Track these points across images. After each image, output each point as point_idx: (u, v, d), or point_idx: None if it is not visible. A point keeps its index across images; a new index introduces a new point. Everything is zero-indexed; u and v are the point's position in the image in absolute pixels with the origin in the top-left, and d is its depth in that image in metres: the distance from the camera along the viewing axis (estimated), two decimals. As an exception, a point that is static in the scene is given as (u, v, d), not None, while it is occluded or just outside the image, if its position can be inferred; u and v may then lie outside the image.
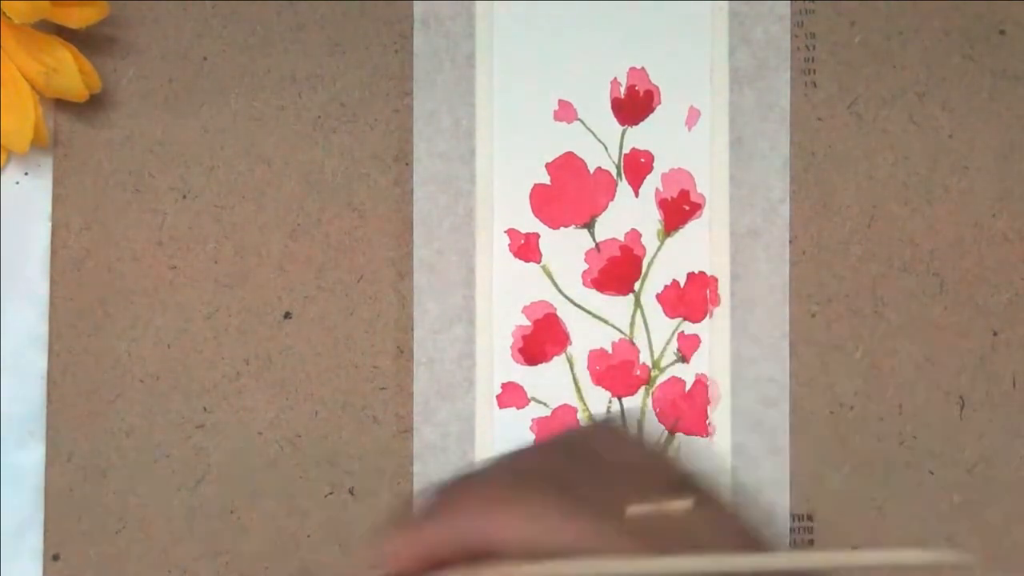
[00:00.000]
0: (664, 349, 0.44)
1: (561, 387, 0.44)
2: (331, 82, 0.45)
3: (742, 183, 0.44)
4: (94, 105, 0.44)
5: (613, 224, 0.44)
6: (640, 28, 0.45)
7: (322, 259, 0.44)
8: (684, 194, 0.44)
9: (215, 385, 0.44)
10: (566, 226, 0.44)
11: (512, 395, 0.44)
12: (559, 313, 0.44)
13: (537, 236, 0.44)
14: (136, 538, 0.43)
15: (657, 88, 0.45)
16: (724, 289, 0.44)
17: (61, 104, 0.44)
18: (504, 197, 0.44)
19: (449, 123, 0.44)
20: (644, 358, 0.44)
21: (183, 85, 0.45)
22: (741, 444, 0.43)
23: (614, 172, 0.44)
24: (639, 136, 0.44)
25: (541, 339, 0.44)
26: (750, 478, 0.43)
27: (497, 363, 0.44)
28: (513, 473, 0.32)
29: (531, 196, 0.44)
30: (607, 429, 0.34)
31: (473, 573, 0.30)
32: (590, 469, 0.32)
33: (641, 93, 0.44)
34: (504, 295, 0.44)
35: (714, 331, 0.44)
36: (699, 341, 0.44)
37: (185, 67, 0.45)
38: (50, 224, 0.44)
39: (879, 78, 0.45)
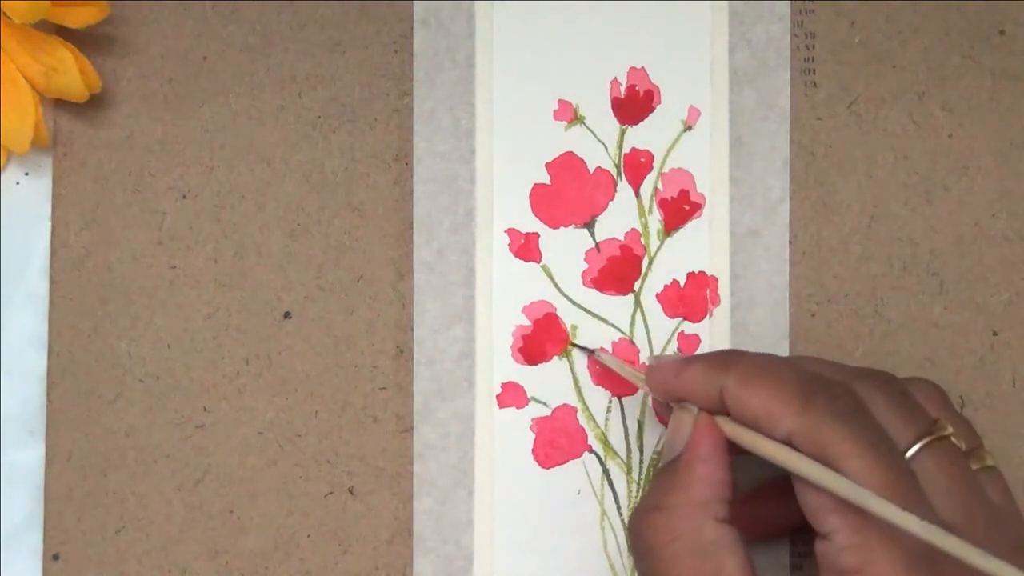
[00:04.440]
0: (664, 349, 0.44)
1: (561, 387, 0.44)
2: (331, 82, 0.45)
3: (742, 183, 0.44)
4: (94, 105, 0.44)
5: (613, 224, 0.44)
6: (640, 28, 0.45)
7: (322, 259, 0.44)
8: (684, 194, 0.44)
9: (215, 385, 0.44)
10: (566, 226, 0.44)
11: (512, 395, 0.44)
12: (559, 313, 0.44)
13: (537, 236, 0.44)
14: (136, 538, 0.43)
15: (657, 88, 0.45)
16: (724, 289, 0.44)
17: (61, 104, 0.44)
18: (504, 197, 0.44)
19: (449, 123, 0.44)
20: (644, 358, 0.44)
21: (183, 85, 0.45)
22: (741, 444, 0.43)
23: (614, 172, 0.44)
24: (639, 136, 0.44)
25: (541, 339, 0.44)
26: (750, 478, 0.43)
27: (497, 363, 0.44)
28: (791, 365, 0.37)
29: (531, 196, 0.44)
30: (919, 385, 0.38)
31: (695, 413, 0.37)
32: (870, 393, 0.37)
33: (641, 93, 0.45)
34: (504, 295, 0.44)
35: (714, 331, 0.44)
36: (699, 341, 0.44)
37: (185, 67, 0.45)
38: (50, 224, 0.44)
39: (879, 78, 0.45)
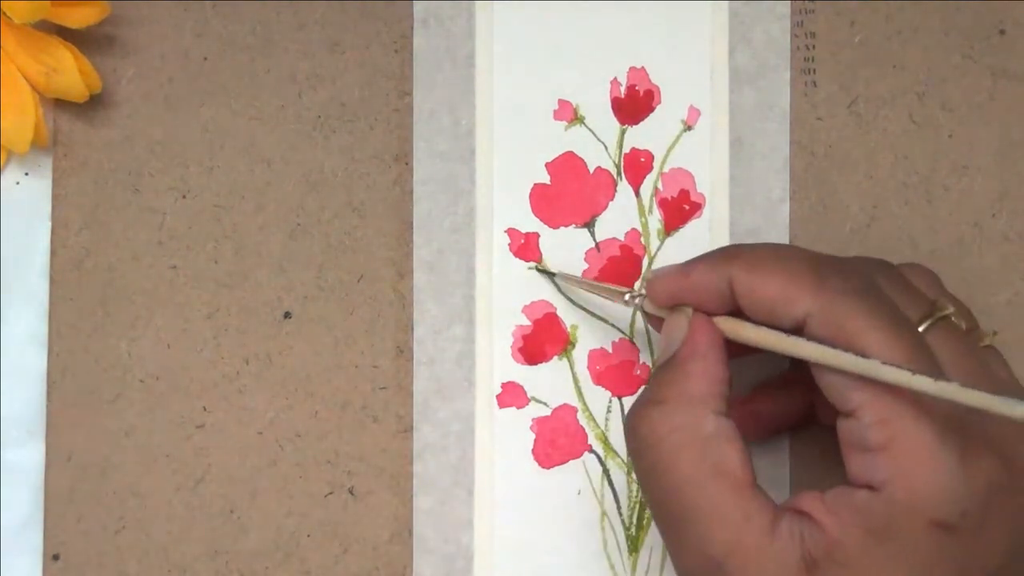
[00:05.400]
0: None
1: (561, 387, 0.44)
2: (331, 82, 0.45)
3: (742, 183, 0.44)
4: (94, 105, 0.44)
5: (613, 224, 0.44)
6: (640, 28, 0.45)
7: (322, 259, 0.44)
8: (684, 194, 0.44)
9: (215, 385, 0.44)
10: (566, 226, 0.44)
11: (512, 395, 0.44)
12: (559, 313, 0.44)
13: (537, 236, 0.44)
14: (136, 538, 0.43)
15: (657, 88, 0.45)
16: (724, 289, 0.44)
17: (61, 104, 0.44)
18: (504, 197, 0.44)
19: (449, 123, 0.44)
20: (644, 358, 0.44)
21: (183, 85, 0.45)
22: (741, 444, 0.43)
23: (614, 172, 0.44)
24: (639, 136, 0.44)
25: (541, 339, 0.44)
26: (750, 478, 0.43)
27: (497, 363, 0.44)
28: (798, 249, 0.37)
29: (531, 196, 0.44)
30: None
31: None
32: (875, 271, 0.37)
33: (641, 93, 0.45)
34: (504, 295, 0.44)
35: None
36: (699, 341, 0.44)
37: (185, 67, 0.45)
38: (50, 224, 0.44)
39: (879, 78, 0.45)
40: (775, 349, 0.36)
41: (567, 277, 0.43)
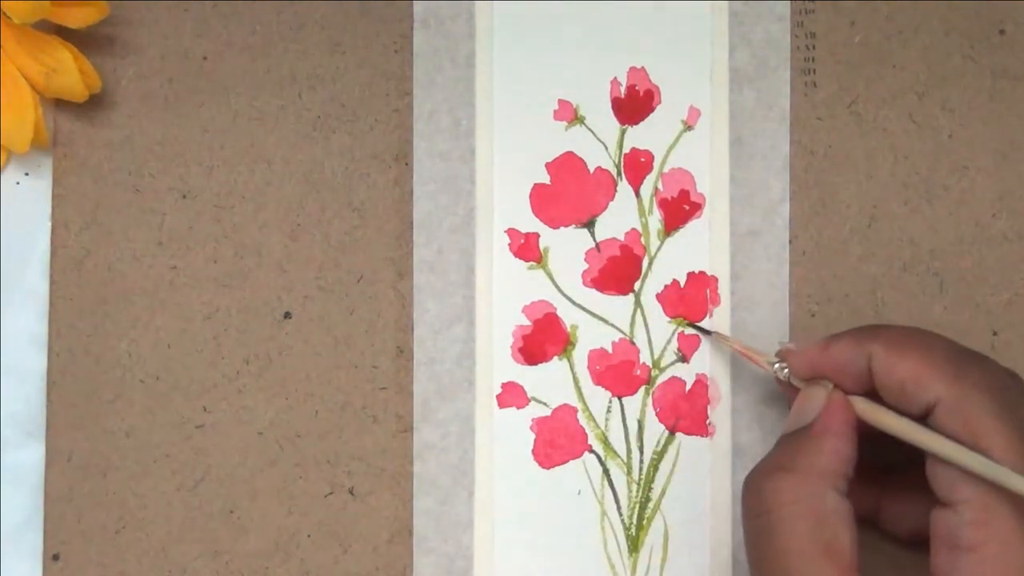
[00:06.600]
0: (664, 349, 0.44)
1: (561, 387, 0.44)
2: (331, 82, 0.45)
3: (742, 183, 0.44)
4: (94, 105, 0.44)
5: (613, 224, 0.44)
6: (640, 28, 0.45)
7: (322, 259, 0.44)
8: (684, 194, 0.44)
9: (215, 385, 0.44)
10: (566, 226, 0.44)
11: (512, 395, 0.44)
12: (559, 313, 0.44)
13: (537, 236, 0.44)
14: (136, 538, 0.43)
15: (657, 88, 0.45)
16: (724, 289, 0.44)
17: (61, 104, 0.44)
18: (504, 197, 0.44)
19: (449, 123, 0.44)
20: (644, 358, 0.44)
21: (183, 85, 0.45)
22: (741, 444, 0.43)
23: (614, 172, 0.44)
24: (639, 136, 0.44)
25: (541, 339, 0.44)
26: (750, 478, 0.43)
27: (497, 363, 0.44)
28: (939, 336, 0.37)
29: (531, 196, 0.44)
30: None
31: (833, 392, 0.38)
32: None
33: (641, 93, 0.45)
34: (504, 295, 0.44)
35: (714, 331, 0.44)
36: (699, 341, 0.44)
37: (185, 67, 0.45)
38: (50, 224, 0.44)
39: (879, 78, 0.45)
40: (905, 438, 0.36)
41: (721, 337, 0.43)
